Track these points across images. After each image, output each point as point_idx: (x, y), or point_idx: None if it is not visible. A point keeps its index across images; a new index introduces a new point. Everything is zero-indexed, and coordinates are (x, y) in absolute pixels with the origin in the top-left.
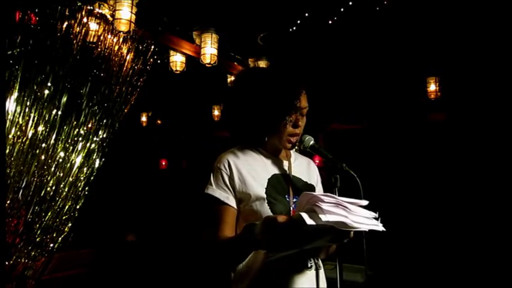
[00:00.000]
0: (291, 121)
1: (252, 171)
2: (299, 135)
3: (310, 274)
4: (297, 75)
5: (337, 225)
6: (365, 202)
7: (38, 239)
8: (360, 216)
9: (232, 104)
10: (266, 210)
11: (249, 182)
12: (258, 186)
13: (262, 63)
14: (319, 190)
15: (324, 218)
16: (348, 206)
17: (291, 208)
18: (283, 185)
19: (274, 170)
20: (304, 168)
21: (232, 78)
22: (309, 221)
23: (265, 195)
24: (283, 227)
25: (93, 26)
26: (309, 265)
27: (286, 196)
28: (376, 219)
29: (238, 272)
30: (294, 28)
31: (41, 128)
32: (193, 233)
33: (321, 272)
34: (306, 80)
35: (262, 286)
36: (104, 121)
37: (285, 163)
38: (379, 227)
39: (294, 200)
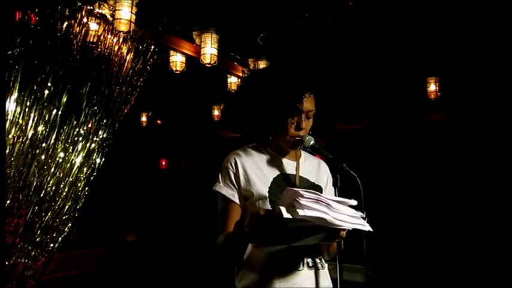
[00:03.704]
0: (292, 123)
1: (258, 170)
2: (302, 137)
3: (309, 273)
4: (301, 78)
5: (315, 221)
6: (354, 202)
7: (38, 239)
8: (342, 214)
9: (239, 103)
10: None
11: (253, 181)
12: (261, 186)
13: (262, 63)
14: (328, 190)
15: (301, 212)
16: (331, 203)
17: None
18: (288, 184)
19: (281, 170)
20: (313, 168)
21: (232, 78)
22: (286, 215)
23: (267, 194)
24: (263, 219)
25: (93, 26)
26: (311, 264)
27: None
28: (363, 219)
29: (243, 267)
30: (294, 28)
31: (41, 128)
32: (193, 232)
33: (324, 272)
34: (314, 83)
35: (265, 282)
36: (104, 121)
37: (293, 164)
38: (366, 226)
39: None
